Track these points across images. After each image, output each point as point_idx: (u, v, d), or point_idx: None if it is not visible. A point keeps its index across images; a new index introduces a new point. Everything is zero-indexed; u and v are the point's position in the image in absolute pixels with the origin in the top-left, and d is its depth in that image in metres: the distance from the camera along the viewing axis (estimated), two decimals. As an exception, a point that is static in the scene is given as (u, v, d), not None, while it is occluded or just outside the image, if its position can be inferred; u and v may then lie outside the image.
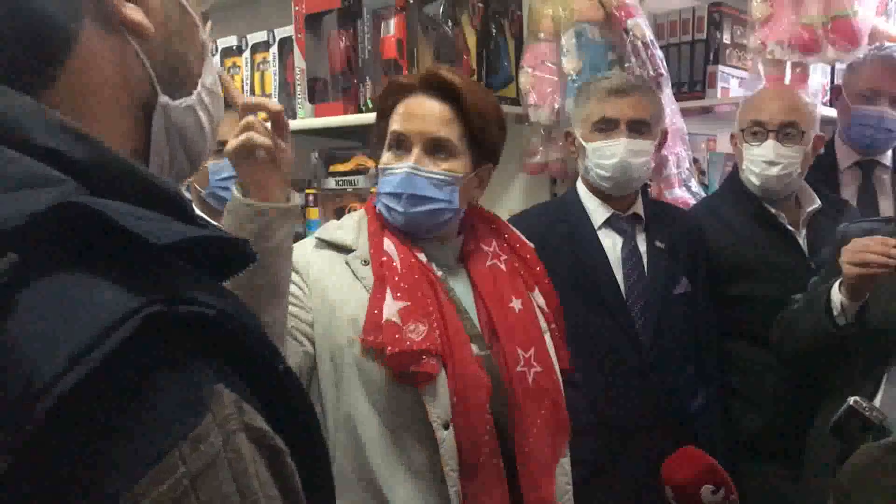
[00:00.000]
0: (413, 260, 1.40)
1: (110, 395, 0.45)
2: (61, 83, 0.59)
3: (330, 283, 1.39)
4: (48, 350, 0.44)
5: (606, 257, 1.89)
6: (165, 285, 0.49)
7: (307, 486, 0.57)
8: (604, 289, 1.87)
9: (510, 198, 2.46)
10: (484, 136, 1.45)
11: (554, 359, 1.49)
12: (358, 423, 1.34)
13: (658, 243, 1.93)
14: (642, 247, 1.92)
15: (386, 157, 1.44)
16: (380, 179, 1.44)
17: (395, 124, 1.42)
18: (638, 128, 1.88)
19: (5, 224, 0.46)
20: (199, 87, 0.70)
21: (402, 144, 1.42)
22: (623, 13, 2.18)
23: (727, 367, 2.00)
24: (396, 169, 1.40)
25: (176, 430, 0.47)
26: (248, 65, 2.71)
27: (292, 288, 1.33)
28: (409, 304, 1.34)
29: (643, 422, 1.84)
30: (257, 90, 2.70)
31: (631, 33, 2.17)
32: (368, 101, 2.40)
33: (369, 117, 2.39)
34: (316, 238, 1.46)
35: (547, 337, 1.49)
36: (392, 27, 2.27)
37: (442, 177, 1.40)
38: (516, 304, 1.46)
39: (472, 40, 2.24)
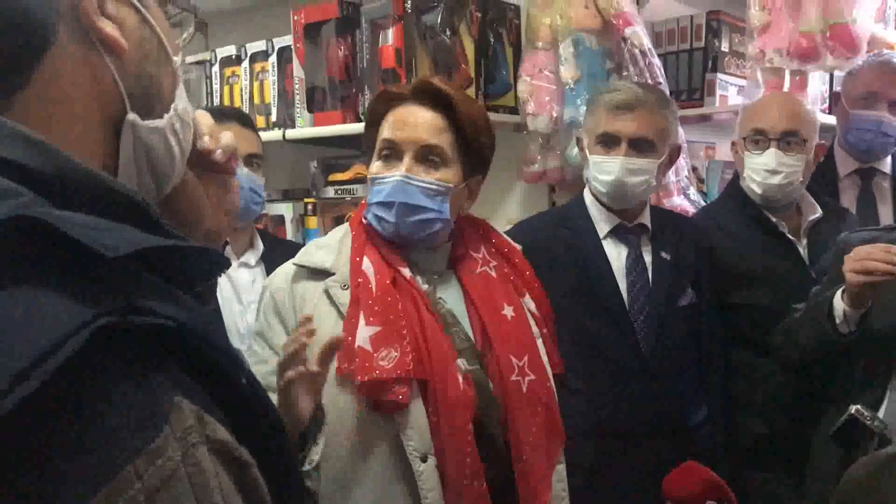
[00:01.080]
0: (389, 280, 1.37)
1: (60, 411, 0.44)
2: (30, 91, 0.58)
3: (309, 312, 1.34)
4: None
5: (610, 266, 1.88)
6: (120, 296, 0.48)
7: (276, 499, 0.56)
8: (606, 298, 1.86)
9: (509, 206, 2.45)
10: (475, 146, 1.44)
11: (547, 365, 1.48)
12: (338, 456, 1.31)
13: (663, 254, 1.92)
14: (647, 257, 1.91)
15: (376, 166, 1.42)
16: (369, 189, 1.42)
17: (386, 132, 1.41)
18: (639, 145, 1.83)
19: None
20: (170, 112, 0.70)
21: (392, 153, 1.40)
22: (621, 21, 2.18)
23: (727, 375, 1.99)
24: (387, 178, 1.38)
25: (131, 445, 0.45)
26: (248, 74, 2.71)
27: (277, 337, 1.33)
28: (380, 328, 1.31)
29: (643, 430, 1.83)
30: (256, 99, 2.70)
31: (629, 42, 2.17)
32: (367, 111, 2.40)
33: (367, 126, 2.41)
34: (294, 265, 1.43)
35: (539, 343, 1.48)
36: (390, 36, 2.27)
37: (434, 186, 1.38)
38: (508, 311, 1.44)
39: (470, 49, 2.24)
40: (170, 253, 0.54)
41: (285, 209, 2.60)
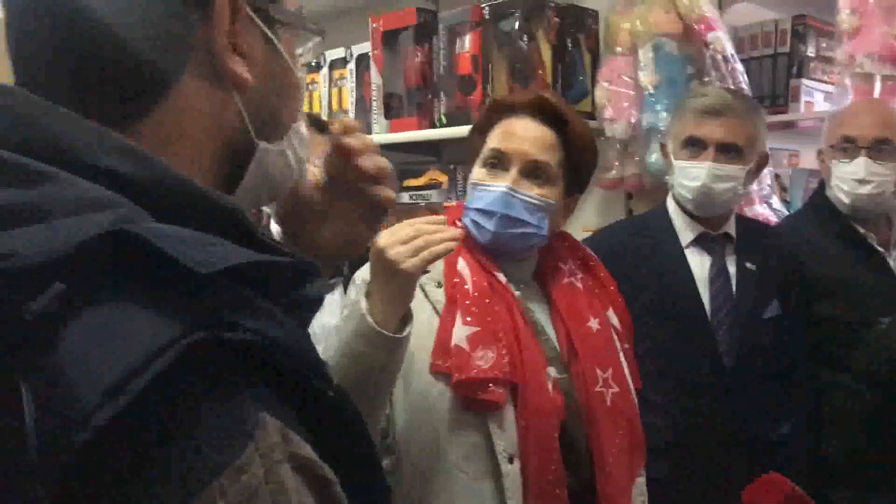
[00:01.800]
0: (486, 283, 1.37)
1: (149, 427, 0.45)
2: (148, 120, 0.59)
3: None
4: (87, 383, 0.44)
5: (692, 277, 1.83)
6: (211, 312, 0.48)
7: None
8: (687, 309, 1.82)
9: (585, 213, 2.43)
10: (581, 165, 1.44)
11: (629, 379, 1.46)
12: (422, 448, 1.32)
13: (749, 264, 1.86)
14: (732, 268, 1.86)
15: (480, 172, 1.42)
16: (470, 194, 1.42)
17: (495, 142, 1.40)
18: (727, 151, 1.78)
19: (54, 253, 0.46)
20: (290, 131, 0.71)
21: (499, 163, 1.40)
22: (703, 26, 2.14)
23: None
24: (491, 187, 1.38)
25: (216, 462, 0.46)
26: (327, 81, 2.76)
27: None
28: (478, 329, 1.32)
29: (721, 444, 1.78)
30: (335, 106, 2.74)
31: (711, 47, 2.13)
32: (442, 117, 2.41)
33: (443, 132, 2.42)
34: None
35: (621, 357, 1.47)
36: (467, 43, 2.29)
37: (537, 202, 1.38)
38: (594, 323, 1.43)
39: (547, 55, 2.23)
40: (258, 269, 0.54)
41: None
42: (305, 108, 2.82)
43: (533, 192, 1.38)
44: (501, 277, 1.40)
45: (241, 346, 0.49)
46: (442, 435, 1.32)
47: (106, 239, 0.48)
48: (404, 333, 1.21)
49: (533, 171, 1.39)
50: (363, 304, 1.19)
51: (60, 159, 0.53)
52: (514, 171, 1.38)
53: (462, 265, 1.39)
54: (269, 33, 0.66)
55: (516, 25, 2.17)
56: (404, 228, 1.21)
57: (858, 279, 1.90)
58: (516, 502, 1.30)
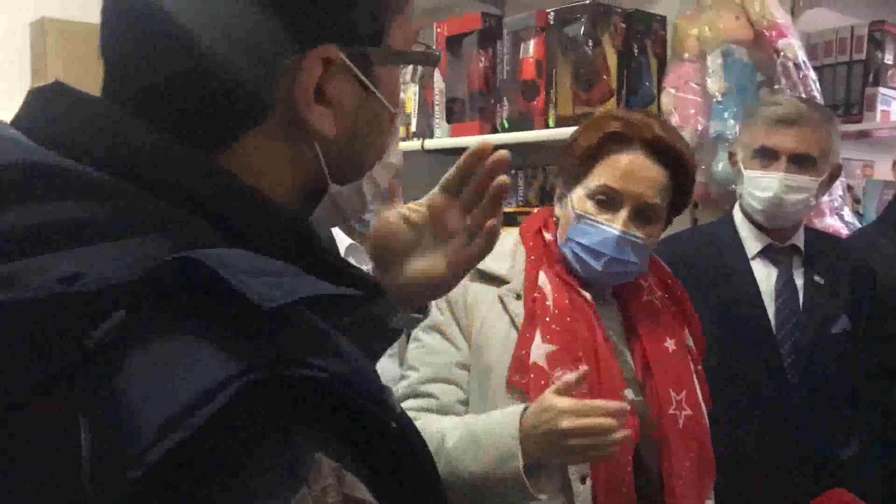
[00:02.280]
0: (567, 299, 1.35)
1: (202, 467, 0.44)
2: (224, 157, 0.58)
3: (481, 315, 1.36)
4: (144, 417, 0.43)
5: (758, 289, 1.79)
6: (272, 347, 0.47)
7: None
8: (752, 322, 1.77)
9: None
10: (685, 202, 1.43)
11: (702, 402, 1.43)
12: None
13: (817, 278, 1.81)
14: (799, 281, 1.81)
15: (588, 205, 1.37)
16: (573, 221, 1.37)
17: (611, 180, 1.35)
18: (800, 162, 1.74)
19: (120, 279, 0.46)
20: (376, 166, 0.68)
21: (609, 200, 1.35)
22: (774, 33, 2.09)
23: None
24: (603, 226, 1.34)
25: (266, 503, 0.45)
26: (389, 85, 2.77)
27: (451, 330, 1.35)
28: (557, 347, 1.30)
29: (786, 462, 1.73)
30: (397, 110, 2.76)
31: (782, 54, 2.07)
32: (505, 122, 2.40)
33: (505, 137, 2.41)
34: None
35: (695, 378, 1.44)
36: (531, 48, 2.27)
37: (642, 242, 1.36)
38: (670, 343, 1.41)
39: (613, 61, 2.20)
40: (317, 303, 0.52)
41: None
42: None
43: (642, 232, 1.35)
44: (587, 295, 1.38)
45: (301, 383, 0.48)
46: None
47: (169, 267, 0.47)
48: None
49: (643, 211, 1.36)
50: (520, 459, 1.20)
51: (139, 176, 0.53)
52: (625, 213, 1.34)
53: (543, 279, 1.36)
54: (366, 80, 0.62)
55: (581, 31, 2.15)
56: (589, 415, 1.19)
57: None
58: None
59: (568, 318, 1.33)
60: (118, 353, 0.45)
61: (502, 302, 1.36)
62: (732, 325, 1.77)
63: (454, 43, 2.49)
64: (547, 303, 1.34)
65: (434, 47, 0.70)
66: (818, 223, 2.12)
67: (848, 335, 1.79)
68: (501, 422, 1.25)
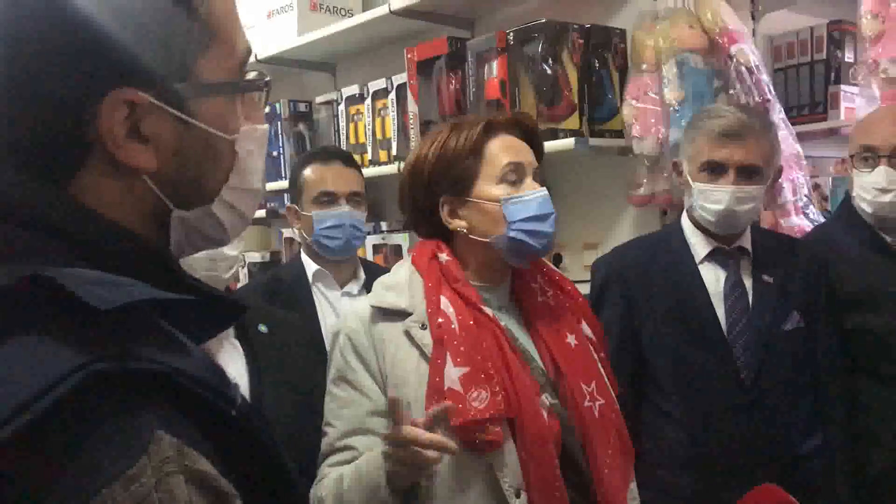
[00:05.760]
0: (471, 319, 1.38)
1: (50, 443, 0.52)
2: (76, 182, 0.67)
3: (391, 353, 1.40)
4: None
5: (707, 292, 1.83)
6: (117, 344, 0.56)
7: None
8: (704, 324, 1.81)
9: (620, 231, 2.43)
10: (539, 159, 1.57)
11: (611, 388, 1.48)
12: (435, 495, 1.34)
13: (766, 277, 1.84)
14: (748, 281, 1.84)
15: (502, 188, 1.44)
16: (509, 208, 1.42)
17: (506, 156, 1.45)
18: (748, 173, 1.78)
19: None
20: (221, 193, 0.73)
21: (517, 173, 1.46)
22: (726, 39, 2.13)
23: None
24: (528, 194, 1.44)
25: (108, 471, 0.52)
26: (370, 111, 2.85)
27: (361, 378, 1.40)
28: (468, 369, 1.33)
29: (746, 460, 1.76)
30: (378, 135, 2.83)
31: (735, 59, 2.11)
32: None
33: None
34: (371, 307, 1.44)
35: (601, 367, 1.49)
36: (495, 69, 2.33)
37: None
38: (571, 339, 1.46)
39: (573, 76, 2.25)
40: (157, 305, 0.61)
41: (402, 239, 2.71)
42: (352, 140, 2.91)
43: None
44: (488, 311, 1.42)
45: (145, 374, 0.56)
46: (448, 477, 1.34)
47: (23, 283, 0.56)
48: None
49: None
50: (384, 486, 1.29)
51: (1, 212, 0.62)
52: (528, 179, 1.48)
53: (445, 304, 1.39)
54: (181, 114, 0.67)
55: (539, 49, 2.20)
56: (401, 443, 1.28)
57: (888, 288, 1.85)
58: None
59: (474, 338, 1.36)
60: None
61: (408, 335, 1.40)
62: (685, 328, 1.81)
63: (425, 67, 2.55)
64: (452, 326, 1.37)
65: (264, 74, 0.74)
66: (784, 223, 2.15)
67: (800, 331, 1.82)
68: (376, 457, 1.31)
